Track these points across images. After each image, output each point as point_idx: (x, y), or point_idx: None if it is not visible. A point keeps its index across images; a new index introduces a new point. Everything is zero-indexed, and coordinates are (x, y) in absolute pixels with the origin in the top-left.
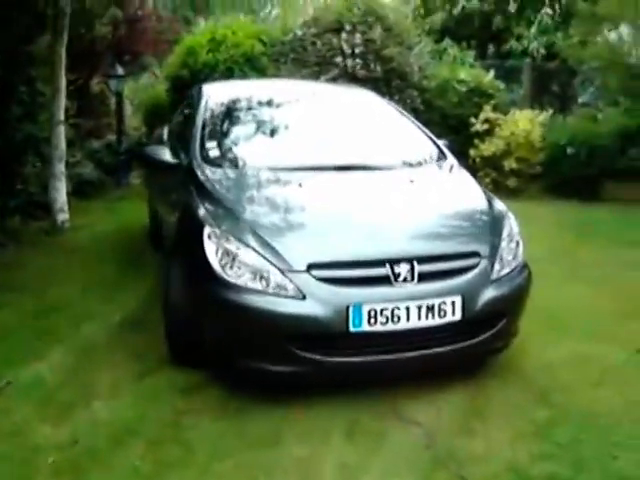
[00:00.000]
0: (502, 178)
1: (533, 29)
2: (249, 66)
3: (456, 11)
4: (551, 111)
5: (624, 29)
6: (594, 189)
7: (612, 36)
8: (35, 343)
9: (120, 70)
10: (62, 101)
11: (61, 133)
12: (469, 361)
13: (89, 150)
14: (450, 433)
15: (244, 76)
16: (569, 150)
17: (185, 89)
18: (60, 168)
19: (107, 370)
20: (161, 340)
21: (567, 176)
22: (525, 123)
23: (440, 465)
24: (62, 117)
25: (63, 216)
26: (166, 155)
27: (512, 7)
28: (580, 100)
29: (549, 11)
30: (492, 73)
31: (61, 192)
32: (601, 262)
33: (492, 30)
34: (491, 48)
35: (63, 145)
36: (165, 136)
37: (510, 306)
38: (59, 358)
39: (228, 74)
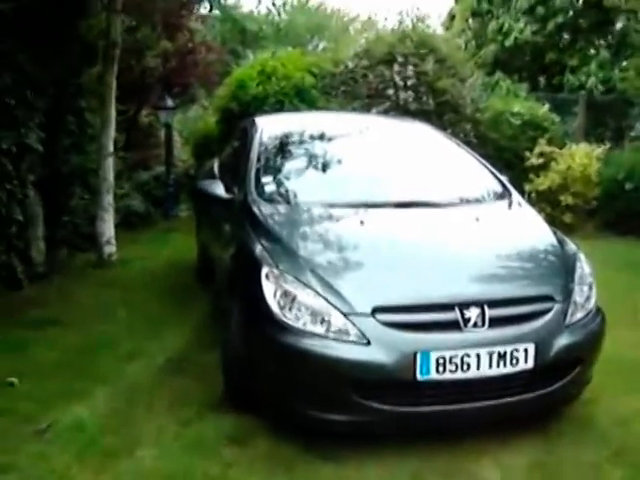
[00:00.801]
0: (558, 213)
1: (593, 65)
2: (299, 98)
3: (508, 43)
4: (608, 145)
5: None
6: None
7: None
8: (77, 383)
9: (170, 102)
10: (111, 133)
11: (110, 165)
12: (541, 412)
13: (137, 182)
14: None
15: (294, 109)
16: (627, 185)
17: (234, 121)
18: (108, 200)
19: (151, 415)
20: (207, 384)
21: (624, 212)
22: (582, 157)
23: None
24: (111, 149)
25: (110, 249)
26: (220, 189)
27: (565, 40)
28: (633, 133)
29: (603, 42)
30: (547, 106)
31: (109, 224)
32: None
33: (544, 62)
34: (542, 81)
35: (111, 177)
36: (216, 169)
37: (584, 353)
38: (101, 401)
39: (278, 107)
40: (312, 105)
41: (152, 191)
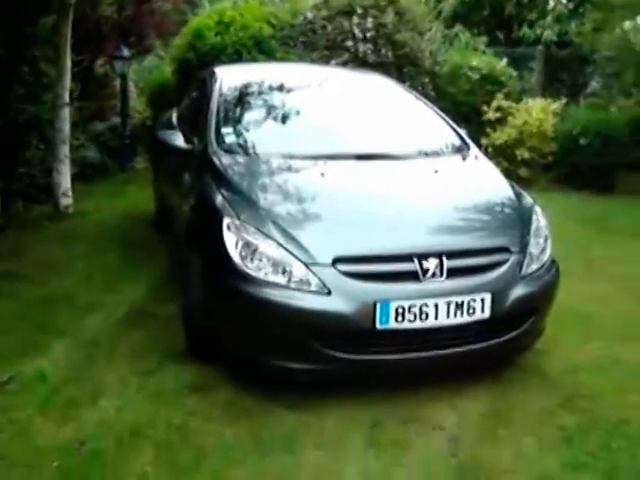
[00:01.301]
0: (514, 167)
1: (549, 18)
2: (257, 49)
3: None
4: (564, 100)
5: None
6: (607, 181)
7: (627, 26)
8: (37, 337)
9: (125, 52)
10: (67, 82)
11: (66, 115)
12: (496, 360)
13: (93, 133)
14: (474, 439)
15: (252, 59)
16: (582, 140)
17: (192, 72)
18: (64, 151)
19: (112, 367)
20: (167, 335)
21: (579, 167)
22: (538, 112)
23: (467, 475)
24: (67, 99)
25: (67, 201)
26: (179, 140)
27: None
28: (588, 90)
29: None
30: (504, 60)
31: (65, 176)
32: (620, 259)
33: (503, 17)
34: (501, 35)
35: (67, 128)
36: (175, 120)
37: (539, 304)
38: (62, 353)
39: (236, 57)
40: (270, 56)
41: (108, 142)
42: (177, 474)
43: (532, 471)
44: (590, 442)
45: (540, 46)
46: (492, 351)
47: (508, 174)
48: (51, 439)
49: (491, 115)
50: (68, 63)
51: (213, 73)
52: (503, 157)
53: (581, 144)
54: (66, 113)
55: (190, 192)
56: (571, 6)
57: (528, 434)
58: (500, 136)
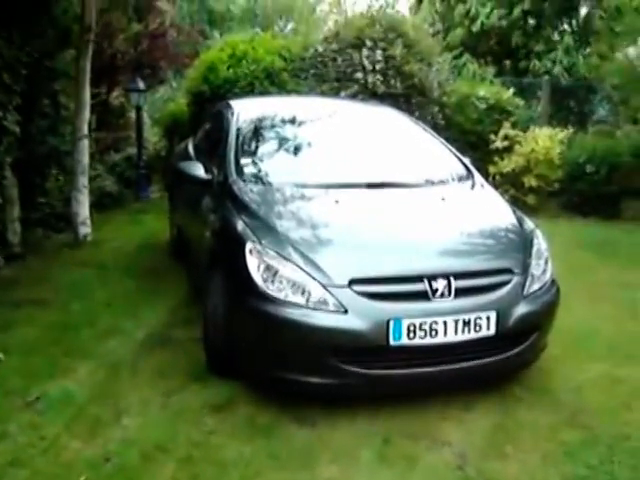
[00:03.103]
0: (521, 195)
1: (560, 51)
2: (269, 81)
3: (475, 28)
4: (571, 129)
5: None
6: (613, 207)
7: (631, 52)
8: (61, 359)
9: (141, 84)
10: (86, 115)
11: (85, 147)
12: (501, 374)
13: (109, 164)
14: (481, 454)
15: (265, 91)
16: (588, 168)
17: (205, 104)
18: (83, 181)
19: (135, 387)
20: (187, 357)
21: (586, 194)
22: (545, 140)
23: None
24: (86, 131)
25: (85, 229)
26: (199, 171)
27: (530, 25)
28: (595, 117)
29: (567, 28)
30: (511, 90)
31: (83, 205)
32: (624, 283)
33: (510, 47)
34: (508, 65)
35: (86, 159)
36: (192, 151)
37: (541, 321)
38: (86, 374)
39: (249, 89)
40: (282, 88)
41: (124, 173)
42: None
43: None
44: (591, 456)
45: (546, 76)
46: (498, 366)
47: (515, 201)
48: (78, 455)
49: (499, 144)
50: (87, 96)
51: (229, 106)
52: (511, 185)
53: (588, 171)
54: (85, 145)
55: (211, 219)
56: (577, 37)
57: (533, 449)
58: (507, 164)
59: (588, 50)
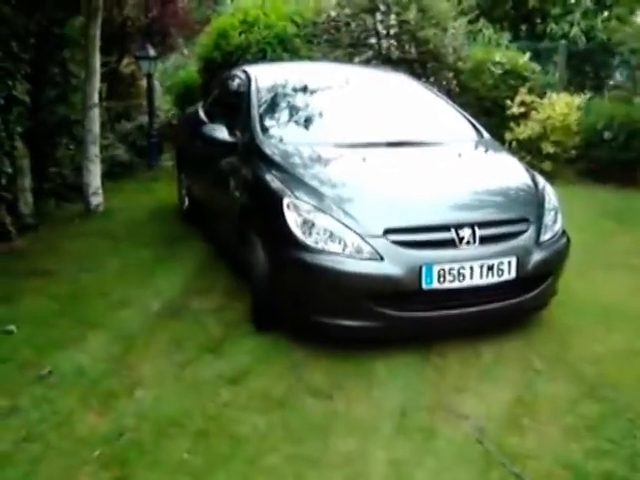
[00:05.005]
0: (537, 161)
1: (577, 14)
2: (282, 47)
3: None
4: (589, 94)
5: None
6: (631, 174)
7: None
8: (74, 331)
9: (151, 51)
10: (96, 83)
11: (95, 116)
12: (517, 316)
13: (121, 132)
14: (500, 427)
15: (277, 58)
16: (606, 134)
17: (217, 70)
18: (94, 151)
19: (149, 359)
20: (202, 328)
21: (603, 160)
22: (562, 106)
23: (493, 461)
24: (96, 99)
25: (97, 199)
26: (224, 134)
27: None
28: (612, 82)
29: None
30: (527, 55)
31: (95, 175)
32: None
33: (526, 11)
34: (524, 29)
35: (97, 128)
36: (203, 116)
37: (554, 267)
38: (99, 346)
39: (261, 56)
40: (295, 54)
41: (136, 141)
42: (214, 461)
43: (556, 457)
44: (613, 431)
45: (563, 40)
46: (515, 308)
47: (532, 168)
48: (92, 429)
49: (515, 110)
50: (97, 64)
51: (246, 72)
52: (527, 151)
53: (605, 138)
54: (96, 113)
55: (240, 179)
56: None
57: (553, 423)
58: (524, 130)
59: (606, 14)
